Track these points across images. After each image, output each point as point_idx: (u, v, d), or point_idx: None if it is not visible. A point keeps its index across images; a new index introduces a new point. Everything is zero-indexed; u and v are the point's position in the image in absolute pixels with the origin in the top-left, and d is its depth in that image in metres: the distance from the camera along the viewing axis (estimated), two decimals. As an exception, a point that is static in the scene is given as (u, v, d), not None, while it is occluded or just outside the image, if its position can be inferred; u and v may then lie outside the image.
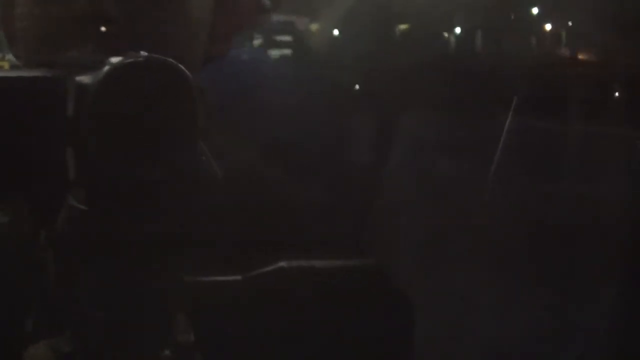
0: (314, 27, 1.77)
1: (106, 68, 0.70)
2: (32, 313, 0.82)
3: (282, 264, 0.80)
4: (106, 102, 0.70)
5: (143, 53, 0.70)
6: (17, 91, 0.75)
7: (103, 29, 0.84)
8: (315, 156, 1.13)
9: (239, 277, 0.78)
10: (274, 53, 1.59)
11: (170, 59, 0.70)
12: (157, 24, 0.87)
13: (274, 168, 1.04)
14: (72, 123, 0.72)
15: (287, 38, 1.64)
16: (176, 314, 0.77)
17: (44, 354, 0.77)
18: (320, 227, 0.99)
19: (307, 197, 1.03)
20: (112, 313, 0.75)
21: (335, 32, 1.77)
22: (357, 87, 1.39)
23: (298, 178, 1.04)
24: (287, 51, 1.58)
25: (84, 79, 0.71)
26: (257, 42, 1.45)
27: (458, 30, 1.82)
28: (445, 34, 1.84)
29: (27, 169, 0.77)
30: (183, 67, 0.70)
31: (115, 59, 0.70)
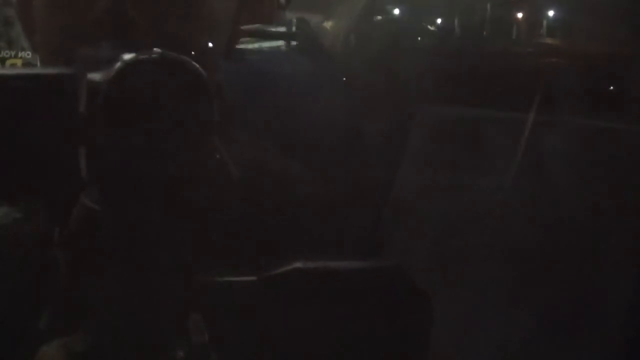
0: (328, 24, 1.77)
1: (117, 65, 0.69)
2: (46, 311, 0.81)
3: (298, 264, 0.78)
4: (117, 99, 0.69)
5: (156, 50, 0.69)
6: (29, 89, 0.74)
7: (123, 27, 0.83)
8: (329, 154, 1.12)
9: (254, 278, 0.77)
10: (287, 50, 1.58)
11: (184, 56, 0.70)
12: (177, 21, 0.86)
13: (288, 166, 1.03)
14: (84, 121, 0.71)
15: (300, 35, 1.63)
16: (190, 314, 0.76)
17: (57, 353, 0.77)
18: (336, 226, 0.98)
19: (323, 196, 1.02)
20: (126, 313, 0.74)
21: (348, 29, 1.76)
22: (365, 83, 1.38)
23: (313, 176, 1.03)
24: (300, 47, 1.57)
25: (96, 76, 0.70)
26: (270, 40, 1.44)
27: (439, 21, 1.81)
28: (429, 26, 1.82)
29: (40, 167, 0.76)
30: (196, 64, 0.69)
31: (127, 56, 0.69)
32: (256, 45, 1.29)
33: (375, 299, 0.85)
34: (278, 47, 1.37)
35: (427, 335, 0.88)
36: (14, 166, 0.76)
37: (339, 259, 0.83)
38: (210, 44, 0.91)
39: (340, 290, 0.82)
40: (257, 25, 1.01)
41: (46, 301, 0.81)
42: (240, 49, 1.03)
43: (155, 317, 0.74)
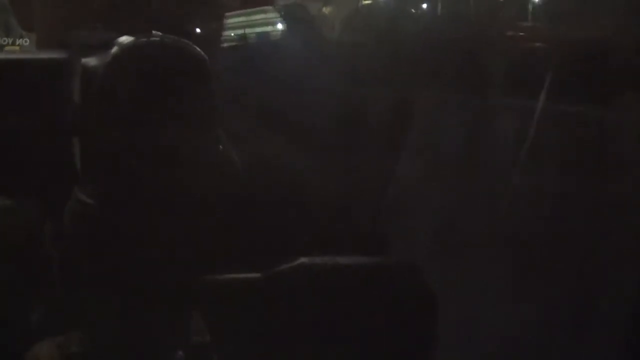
0: (327, 9, 1.74)
1: (114, 49, 0.66)
2: (37, 308, 0.78)
3: (303, 260, 0.76)
4: (114, 84, 0.66)
5: (155, 33, 0.66)
6: (17, 75, 0.71)
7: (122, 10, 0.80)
8: (329, 143, 1.10)
9: (258, 275, 0.74)
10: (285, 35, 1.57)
11: (184, 40, 0.66)
12: (180, 6, 0.84)
13: (287, 157, 1.01)
14: (79, 110, 0.68)
15: (298, 21, 1.62)
16: (191, 313, 0.73)
17: (49, 353, 0.74)
18: (339, 220, 0.96)
19: (323, 188, 1.00)
20: (123, 311, 0.71)
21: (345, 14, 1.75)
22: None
23: (313, 167, 1.01)
24: (299, 34, 1.56)
25: (91, 61, 0.67)
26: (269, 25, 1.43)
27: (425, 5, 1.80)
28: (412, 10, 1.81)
29: (31, 160, 0.74)
30: (198, 48, 0.66)
31: (124, 39, 0.66)
32: (245, 32, 1.28)
33: (381, 295, 0.83)
34: (268, 33, 1.36)
35: (432, 330, 0.86)
36: (3, 158, 0.73)
37: (345, 254, 0.81)
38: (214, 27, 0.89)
39: (346, 285, 0.80)
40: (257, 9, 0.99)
41: (38, 297, 0.78)
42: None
43: (154, 316, 0.71)
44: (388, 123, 1.32)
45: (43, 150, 0.73)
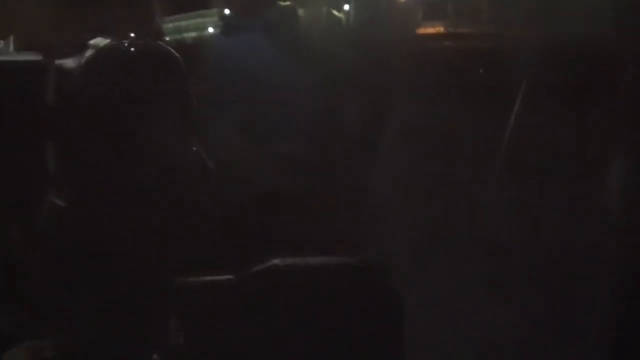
0: (301, 10, 1.75)
1: (89, 52, 0.67)
2: (12, 314, 0.79)
3: (276, 261, 0.76)
4: (90, 87, 0.66)
5: (128, 35, 0.67)
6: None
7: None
8: (306, 148, 1.11)
9: (231, 277, 0.75)
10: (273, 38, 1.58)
11: (157, 41, 0.68)
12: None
13: (265, 161, 1.01)
14: (53, 111, 0.69)
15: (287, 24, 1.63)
16: (166, 316, 0.73)
17: (24, 358, 0.74)
18: (315, 223, 0.97)
19: (301, 192, 1.01)
20: (98, 315, 0.71)
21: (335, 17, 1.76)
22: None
23: (290, 171, 1.02)
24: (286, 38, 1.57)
25: (65, 63, 0.67)
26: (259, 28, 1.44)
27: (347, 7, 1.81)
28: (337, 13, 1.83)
29: (4, 163, 0.74)
30: (172, 50, 0.67)
31: (98, 41, 0.67)
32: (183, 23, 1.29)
33: (351, 295, 0.83)
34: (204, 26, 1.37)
35: (400, 329, 0.87)
36: None
37: (316, 255, 0.81)
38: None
39: (318, 286, 0.81)
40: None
41: (11, 303, 0.78)
42: None
43: (129, 320, 0.71)
44: (359, 127, 1.33)
45: (16, 153, 0.73)
